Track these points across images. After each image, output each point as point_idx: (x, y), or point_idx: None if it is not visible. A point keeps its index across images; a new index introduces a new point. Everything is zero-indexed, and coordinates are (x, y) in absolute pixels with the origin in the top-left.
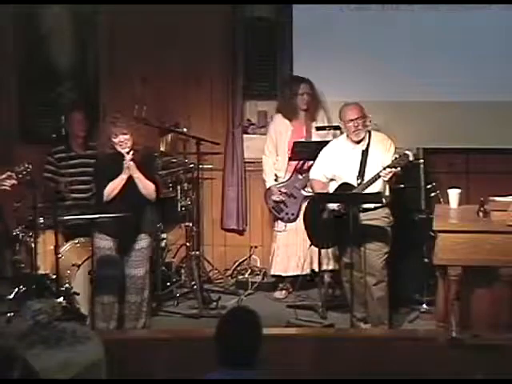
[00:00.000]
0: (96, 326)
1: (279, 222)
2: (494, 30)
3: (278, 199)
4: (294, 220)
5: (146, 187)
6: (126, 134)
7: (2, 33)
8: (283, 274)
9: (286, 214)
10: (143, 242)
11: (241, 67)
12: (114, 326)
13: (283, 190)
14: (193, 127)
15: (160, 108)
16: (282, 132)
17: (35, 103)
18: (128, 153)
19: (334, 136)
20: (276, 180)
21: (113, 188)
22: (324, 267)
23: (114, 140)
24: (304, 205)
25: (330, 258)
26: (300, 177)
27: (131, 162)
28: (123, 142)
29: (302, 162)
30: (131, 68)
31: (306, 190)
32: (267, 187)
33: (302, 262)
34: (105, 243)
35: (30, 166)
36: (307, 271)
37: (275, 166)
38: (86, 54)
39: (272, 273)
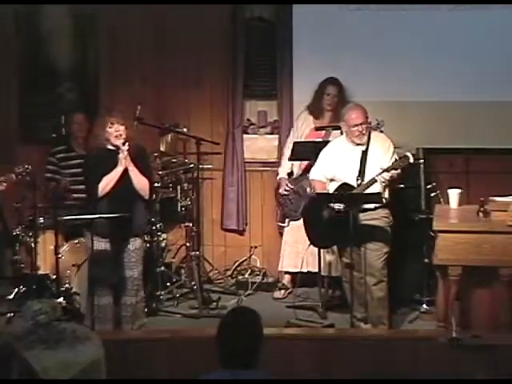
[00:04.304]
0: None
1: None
2: (494, 30)
3: (283, 192)
4: (298, 219)
5: (141, 182)
6: (122, 124)
7: (2, 33)
8: (292, 270)
9: (290, 210)
10: (137, 242)
11: (241, 67)
12: (110, 327)
13: (290, 185)
14: (193, 127)
15: (160, 108)
16: (302, 128)
17: (35, 103)
18: (123, 144)
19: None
20: (289, 175)
21: (107, 182)
22: (323, 273)
23: (109, 130)
24: None
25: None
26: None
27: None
28: (119, 131)
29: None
30: (131, 68)
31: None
32: (278, 178)
33: (310, 261)
34: (99, 244)
35: (30, 167)
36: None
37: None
38: (86, 54)
39: (280, 269)
